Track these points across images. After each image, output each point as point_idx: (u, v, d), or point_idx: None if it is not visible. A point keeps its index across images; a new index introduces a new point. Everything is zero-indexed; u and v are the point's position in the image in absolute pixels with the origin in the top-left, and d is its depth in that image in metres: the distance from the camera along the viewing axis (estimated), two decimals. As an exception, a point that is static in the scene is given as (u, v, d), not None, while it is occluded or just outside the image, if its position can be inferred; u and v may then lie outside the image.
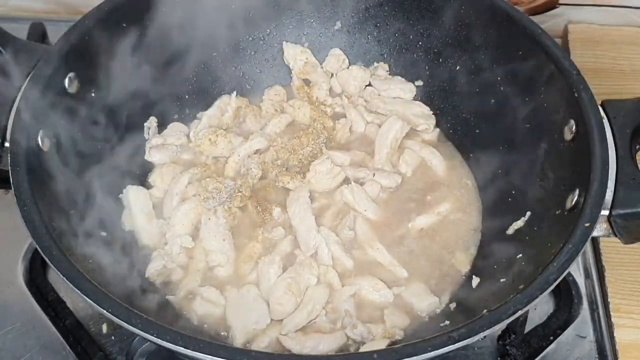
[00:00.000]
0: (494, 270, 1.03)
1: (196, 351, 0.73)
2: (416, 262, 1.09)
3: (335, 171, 1.16)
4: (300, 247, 1.08)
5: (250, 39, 1.31)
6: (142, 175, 1.18)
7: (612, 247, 1.19)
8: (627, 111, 0.98)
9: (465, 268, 1.09)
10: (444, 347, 0.75)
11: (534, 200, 1.04)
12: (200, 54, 1.25)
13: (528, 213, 1.04)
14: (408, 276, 1.07)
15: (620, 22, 1.55)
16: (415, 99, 1.30)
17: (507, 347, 1.05)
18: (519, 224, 1.04)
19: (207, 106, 1.27)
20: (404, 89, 1.30)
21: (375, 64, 1.33)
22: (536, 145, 1.05)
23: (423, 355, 0.74)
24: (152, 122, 1.21)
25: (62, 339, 1.04)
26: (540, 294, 0.80)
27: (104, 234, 1.03)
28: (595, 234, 0.88)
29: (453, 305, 1.03)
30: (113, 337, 1.06)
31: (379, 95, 1.31)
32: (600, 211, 0.87)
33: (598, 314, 1.12)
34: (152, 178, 1.17)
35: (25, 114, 0.93)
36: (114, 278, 0.96)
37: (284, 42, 1.32)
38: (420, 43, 1.28)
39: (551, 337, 1.07)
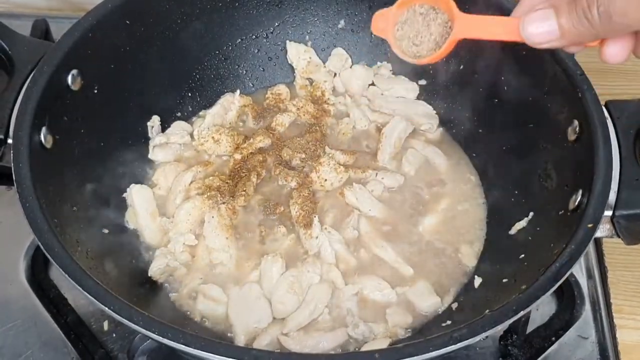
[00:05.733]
0: (496, 271, 1.03)
1: (197, 349, 0.73)
2: (420, 261, 1.09)
3: (339, 170, 1.16)
4: (304, 246, 1.08)
5: (254, 37, 1.31)
6: (145, 174, 1.18)
7: (615, 248, 1.19)
8: (631, 112, 0.97)
9: (471, 262, 1.08)
10: (445, 347, 0.74)
11: (536, 201, 1.04)
12: (204, 52, 1.25)
13: (531, 213, 1.03)
14: (413, 274, 1.07)
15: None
16: (418, 98, 1.30)
17: (509, 348, 1.05)
18: (521, 224, 1.04)
19: (210, 104, 1.26)
20: (408, 89, 1.30)
21: (379, 63, 1.33)
22: (539, 145, 1.05)
23: (424, 355, 0.74)
24: (155, 121, 1.21)
25: (63, 336, 1.04)
26: (543, 294, 0.80)
27: (106, 231, 1.03)
28: (598, 234, 0.87)
29: (455, 305, 1.03)
30: (114, 335, 1.06)
31: (382, 94, 1.30)
32: (603, 212, 0.86)
33: (600, 315, 1.12)
34: (156, 176, 1.17)
35: (28, 111, 0.93)
36: (116, 275, 0.96)
37: (288, 41, 1.32)
38: (423, 42, 1.27)
39: (553, 338, 1.07)
